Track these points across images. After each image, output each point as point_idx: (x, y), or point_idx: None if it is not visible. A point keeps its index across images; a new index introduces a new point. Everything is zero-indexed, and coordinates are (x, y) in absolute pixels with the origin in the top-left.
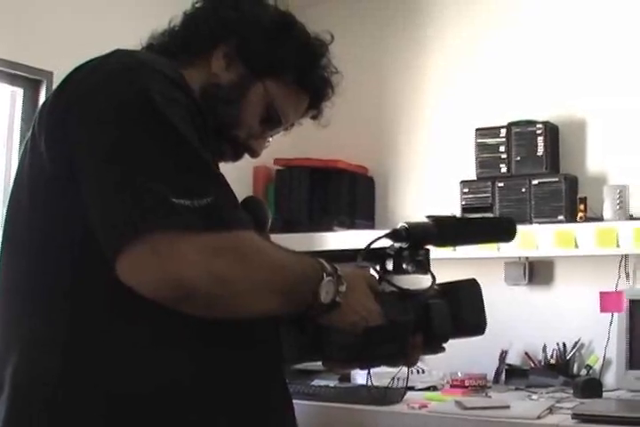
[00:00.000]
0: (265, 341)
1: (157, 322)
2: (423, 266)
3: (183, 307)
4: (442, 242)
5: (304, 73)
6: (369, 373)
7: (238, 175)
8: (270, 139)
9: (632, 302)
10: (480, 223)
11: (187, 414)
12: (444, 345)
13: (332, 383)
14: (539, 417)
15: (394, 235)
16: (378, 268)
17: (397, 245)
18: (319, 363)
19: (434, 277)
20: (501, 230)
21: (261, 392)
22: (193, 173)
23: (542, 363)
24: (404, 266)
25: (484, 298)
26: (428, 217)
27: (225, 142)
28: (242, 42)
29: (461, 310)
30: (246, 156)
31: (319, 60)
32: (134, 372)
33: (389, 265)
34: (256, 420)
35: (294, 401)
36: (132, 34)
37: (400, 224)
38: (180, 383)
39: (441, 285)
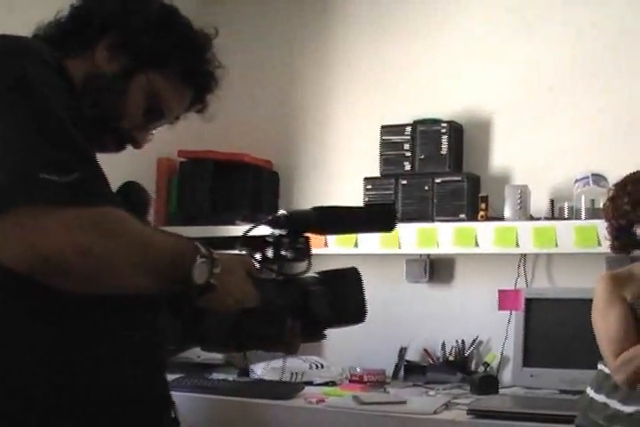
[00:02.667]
0: (143, 328)
1: (30, 300)
2: (303, 253)
3: (49, 281)
4: (321, 230)
5: (187, 67)
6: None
7: (141, 166)
8: (154, 131)
9: (529, 300)
10: (360, 213)
11: (51, 397)
12: (325, 333)
13: (230, 377)
14: (435, 413)
15: (273, 222)
16: (258, 255)
17: (277, 232)
18: (219, 356)
19: (310, 264)
20: (381, 220)
21: (134, 381)
22: (61, 149)
23: (441, 360)
24: (284, 253)
25: (385, 294)
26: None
27: (107, 133)
28: (125, 34)
29: (341, 297)
30: (151, 147)
31: (203, 55)
32: (5, 347)
33: (269, 252)
34: (119, 410)
35: (193, 395)
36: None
37: (280, 212)
38: (49, 363)
39: (321, 273)
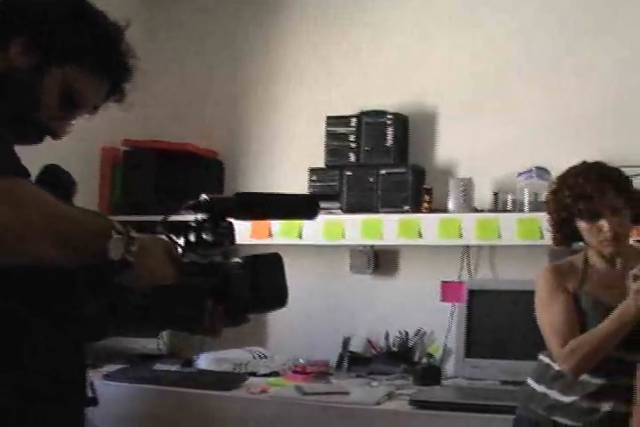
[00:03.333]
0: (58, 313)
1: None
2: (225, 238)
3: None
4: (242, 215)
5: (101, 58)
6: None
7: (86, 155)
8: (73, 122)
9: (472, 292)
10: (282, 199)
11: None
12: (247, 317)
13: (173, 368)
14: (377, 403)
15: (195, 206)
16: (181, 239)
17: (200, 217)
18: (163, 347)
19: (233, 248)
20: (303, 207)
21: (48, 363)
22: None
23: (384, 351)
24: (206, 237)
25: (329, 285)
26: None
27: (27, 125)
28: (38, 29)
29: (262, 281)
30: (95, 136)
31: (116, 47)
32: None
33: (192, 237)
34: (32, 392)
35: (136, 386)
36: None
37: (202, 196)
38: None
39: (243, 257)
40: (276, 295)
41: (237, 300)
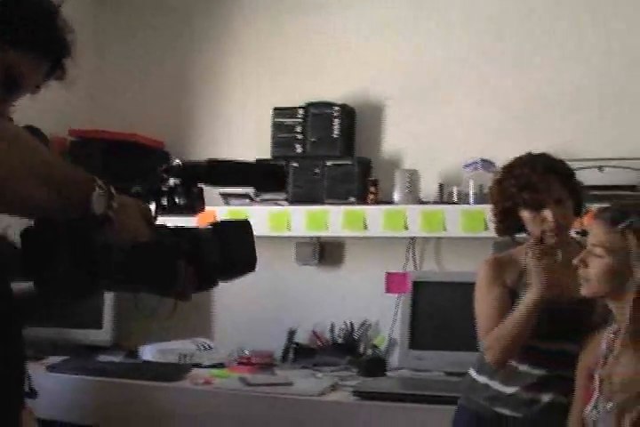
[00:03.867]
0: None
1: None
2: (196, 203)
3: None
4: (213, 181)
5: (37, 36)
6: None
7: None
8: (15, 103)
9: (416, 283)
10: (252, 169)
11: None
12: (217, 281)
13: (117, 359)
14: (320, 394)
15: (168, 171)
16: (153, 204)
17: (172, 181)
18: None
19: (196, 212)
20: (271, 179)
21: None
22: None
23: (330, 342)
24: (178, 202)
25: (275, 276)
26: None
27: None
28: None
29: (231, 246)
30: (42, 125)
31: (52, 23)
32: None
33: (164, 201)
34: None
35: (79, 377)
36: None
37: (175, 161)
38: None
39: (213, 223)
40: (246, 261)
41: (207, 263)
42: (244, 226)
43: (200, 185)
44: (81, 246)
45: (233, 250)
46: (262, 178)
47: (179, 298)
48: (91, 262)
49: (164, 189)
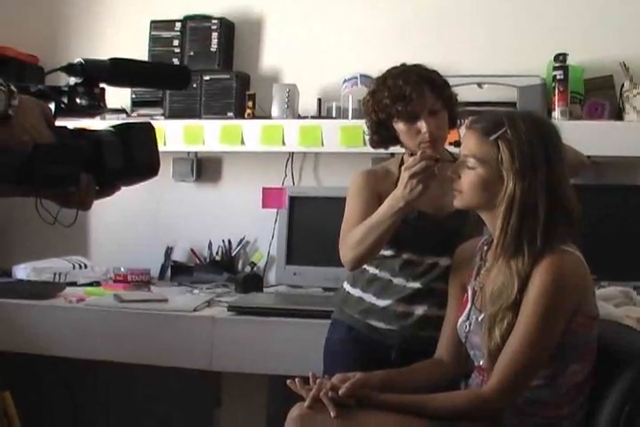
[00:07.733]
0: None
1: None
2: (98, 102)
3: None
4: (114, 80)
5: None
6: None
7: None
8: None
9: (293, 198)
10: (155, 68)
11: None
12: (118, 185)
13: None
14: (195, 310)
15: (68, 69)
16: (53, 105)
17: (73, 81)
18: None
19: (97, 112)
20: (175, 78)
21: None
22: None
23: (208, 260)
24: (78, 102)
25: (152, 193)
26: None
27: None
28: None
29: (134, 149)
30: None
31: None
32: None
33: (64, 101)
34: None
35: None
36: None
37: (76, 59)
38: None
39: (115, 126)
40: (149, 163)
41: (109, 166)
42: (146, 128)
43: (102, 85)
44: None
45: (136, 153)
46: (166, 77)
47: (78, 208)
48: None
49: (64, 88)
